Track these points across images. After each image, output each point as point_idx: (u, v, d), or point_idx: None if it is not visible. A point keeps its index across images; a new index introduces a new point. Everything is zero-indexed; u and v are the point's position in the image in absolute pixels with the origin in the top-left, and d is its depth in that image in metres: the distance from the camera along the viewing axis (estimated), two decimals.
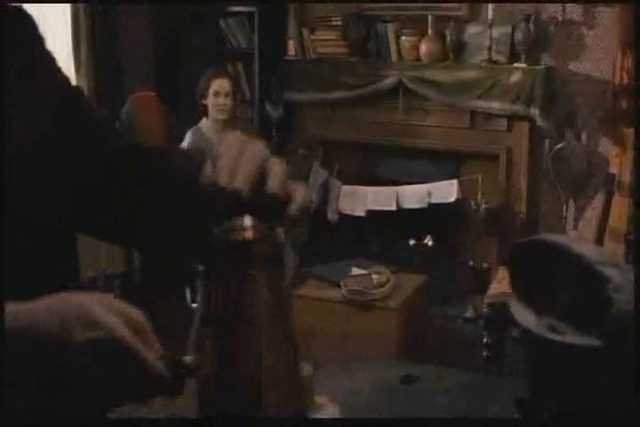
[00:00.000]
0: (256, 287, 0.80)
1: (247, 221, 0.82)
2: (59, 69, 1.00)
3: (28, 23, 0.95)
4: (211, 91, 4.65)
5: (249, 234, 0.81)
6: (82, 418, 0.69)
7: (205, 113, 4.74)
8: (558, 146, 4.77)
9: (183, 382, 0.80)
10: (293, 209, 0.83)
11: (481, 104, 4.81)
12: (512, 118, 4.82)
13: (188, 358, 0.83)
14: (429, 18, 4.92)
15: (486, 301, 3.73)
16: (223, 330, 0.80)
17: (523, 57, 4.74)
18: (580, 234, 4.79)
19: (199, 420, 0.82)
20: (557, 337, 1.05)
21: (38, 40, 0.97)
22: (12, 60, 0.87)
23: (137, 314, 0.78)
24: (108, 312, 0.74)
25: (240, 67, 5.65)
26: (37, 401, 0.72)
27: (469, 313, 4.79)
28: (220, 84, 4.68)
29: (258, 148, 0.86)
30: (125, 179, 0.96)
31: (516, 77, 4.69)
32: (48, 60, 0.98)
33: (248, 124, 5.56)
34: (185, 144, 4.68)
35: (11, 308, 0.73)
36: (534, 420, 0.78)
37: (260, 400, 0.78)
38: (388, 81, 5.04)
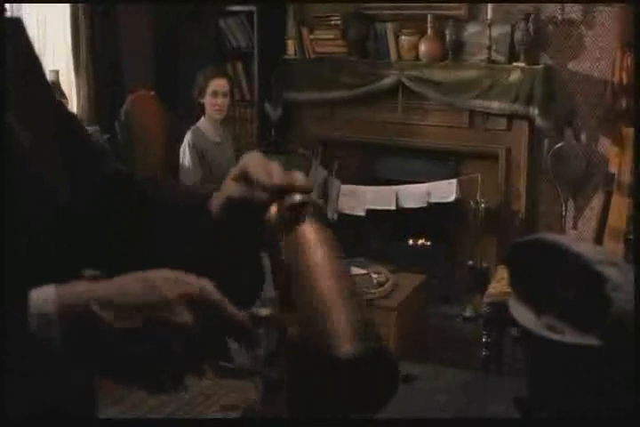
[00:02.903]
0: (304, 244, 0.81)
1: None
2: (53, 91, 0.99)
3: (24, 39, 0.94)
4: (209, 90, 4.66)
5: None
6: (82, 418, 0.69)
7: (203, 112, 4.74)
8: (557, 145, 4.77)
9: (258, 336, 0.81)
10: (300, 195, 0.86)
11: (480, 103, 4.81)
12: (511, 118, 4.82)
13: (263, 311, 0.84)
14: (429, 17, 4.92)
15: (485, 300, 3.74)
16: (290, 285, 0.81)
17: (522, 56, 4.74)
18: (580, 233, 4.79)
19: (199, 420, 0.83)
20: (556, 336, 1.06)
21: (34, 59, 0.96)
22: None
23: (207, 285, 0.80)
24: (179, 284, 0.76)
25: (239, 66, 5.65)
26: (136, 360, 0.73)
27: (469, 312, 4.79)
28: (218, 84, 4.68)
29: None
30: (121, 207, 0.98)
31: (515, 77, 4.69)
32: (45, 84, 0.97)
33: (247, 123, 5.56)
34: (185, 143, 4.68)
35: (90, 285, 0.75)
36: (533, 418, 0.78)
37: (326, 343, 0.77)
38: (388, 80, 5.04)
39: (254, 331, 0.80)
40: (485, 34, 4.75)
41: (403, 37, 5.06)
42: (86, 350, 0.72)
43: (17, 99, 0.88)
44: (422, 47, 4.98)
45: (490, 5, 4.69)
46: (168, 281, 0.75)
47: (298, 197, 0.88)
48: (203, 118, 4.75)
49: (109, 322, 0.72)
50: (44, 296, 0.72)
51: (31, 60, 0.94)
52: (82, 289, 0.74)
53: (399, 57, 5.09)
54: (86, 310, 0.72)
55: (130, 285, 0.74)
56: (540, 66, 4.73)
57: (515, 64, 4.75)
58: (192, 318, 0.74)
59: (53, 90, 1.02)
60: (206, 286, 0.77)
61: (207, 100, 4.68)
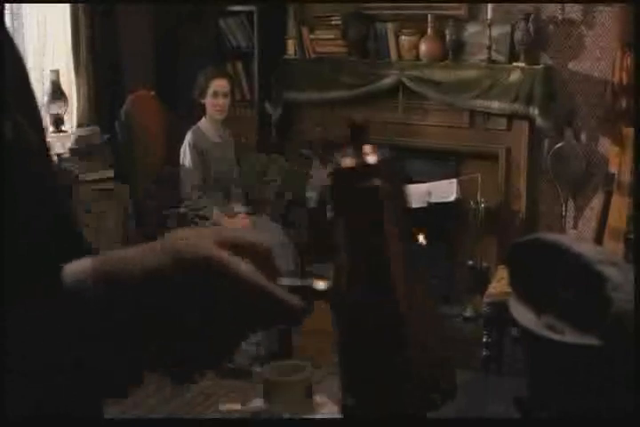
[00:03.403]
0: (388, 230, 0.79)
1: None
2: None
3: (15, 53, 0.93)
4: (210, 91, 4.66)
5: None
6: (82, 418, 0.69)
7: (204, 112, 4.75)
8: (558, 145, 4.77)
9: (310, 309, 0.78)
10: None
11: (480, 103, 4.81)
12: (511, 118, 4.82)
13: (320, 284, 0.82)
14: (429, 17, 4.92)
15: (485, 300, 3.74)
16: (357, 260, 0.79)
17: (522, 56, 4.74)
18: (580, 233, 4.79)
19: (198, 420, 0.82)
20: (556, 336, 1.06)
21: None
22: None
23: (263, 242, 0.79)
24: (239, 255, 0.74)
25: (239, 66, 5.65)
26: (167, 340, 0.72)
27: (469, 312, 4.79)
28: (219, 85, 4.68)
29: None
30: None
31: (515, 77, 4.69)
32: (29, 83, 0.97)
33: (247, 123, 5.55)
34: (186, 144, 4.68)
35: (115, 254, 0.74)
36: (533, 418, 0.78)
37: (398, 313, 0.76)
38: (388, 80, 5.04)
39: (303, 308, 0.77)
40: (485, 34, 4.75)
41: (403, 37, 5.06)
42: (122, 326, 0.71)
43: (17, 98, 0.87)
44: (422, 47, 4.98)
45: (490, 5, 4.69)
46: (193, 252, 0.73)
47: (321, 285, 0.83)
48: (203, 118, 4.75)
49: (146, 297, 0.71)
50: (79, 269, 0.71)
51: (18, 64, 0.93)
52: (116, 258, 0.73)
53: (399, 57, 5.10)
54: (123, 282, 0.71)
55: (157, 257, 0.73)
56: (541, 66, 4.73)
57: (515, 64, 4.75)
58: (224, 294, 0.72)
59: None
60: (242, 264, 0.74)
61: (208, 101, 4.69)
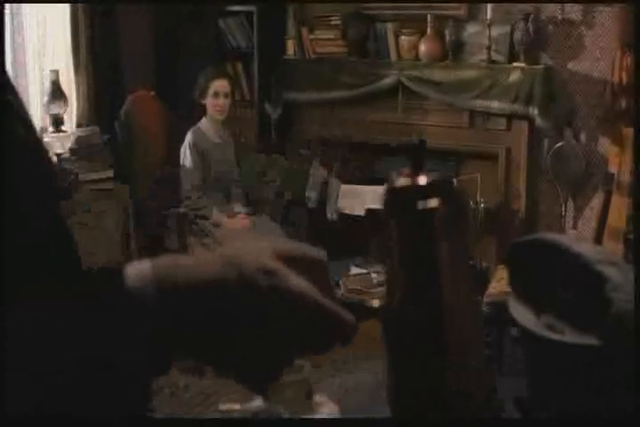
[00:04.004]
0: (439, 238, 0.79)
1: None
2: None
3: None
4: (210, 91, 4.66)
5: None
6: (83, 417, 0.69)
7: (204, 113, 4.75)
8: (557, 145, 4.77)
9: (357, 327, 0.76)
10: None
11: (480, 103, 4.81)
12: (511, 118, 4.82)
13: (375, 302, 0.82)
14: (428, 17, 4.92)
15: (485, 300, 3.74)
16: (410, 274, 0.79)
17: (522, 56, 4.74)
18: (579, 233, 4.80)
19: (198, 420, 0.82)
20: (556, 336, 1.06)
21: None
22: None
23: (318, 255, 0.78)
24: (291, 266, 0.74)
25: (239, 66, 5.65)
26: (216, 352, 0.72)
27: None
28: (219, 85, 4.69)
29: None
30: None
31: (514, 77, 4.69)
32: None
33: (247, 123, 5.56)
34: (186, 144, 4.69)
35: (175, 260, 0.73)
36: (533, 418, 0.79)
37: (444, 346, 0.76)
38: (388, 80, 5.04)
39: (355, 325, 0.75)
40: (485, 34, 4.75)
41: (402, 37, 5.06)
42: (185, 329, 0.71)
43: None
44: (422, 47, 4.98)
45: (489, 5, 4.69)
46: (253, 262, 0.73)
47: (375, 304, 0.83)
48: (204, 119, 4.76)
49: (209, 301, 0.71)
50: (139, 271, 0.71)
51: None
52: (180, 263, 0.73)
53: (399, 57, 5.10)
54: (181, 288, 0.71)
55: (217, 269, 0.73)
56: (540, 66, 4.73)
57: (514, 64, 4.75)
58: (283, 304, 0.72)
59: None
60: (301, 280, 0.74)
61: (208, 101, 4.69)
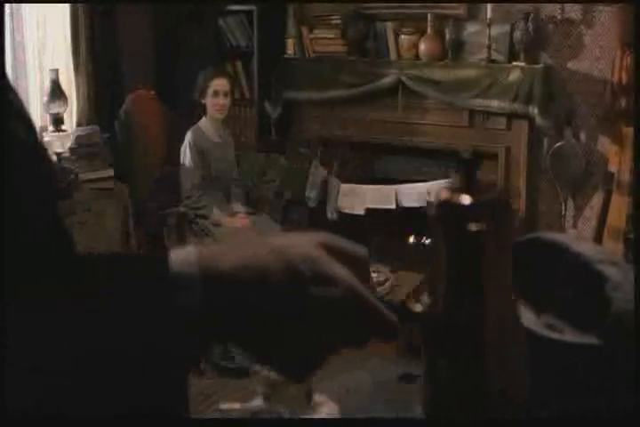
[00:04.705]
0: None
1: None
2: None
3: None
4: (210, 91, 4.66)
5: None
6: (83, 417, 0.69)
7: (204, 112, 4.75)
8: (557, 144, 4.77)
9: (399, 327, 0.76)
10: None
11: (480, 103, 4.81)
12: (511, 117, 4.82)
13: (418, 307, 0.82)
14: (428, 16, 4.92)
15: None
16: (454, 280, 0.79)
17: (521, 56, 4.74)
18: (579, 232, 4.80)
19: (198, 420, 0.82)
20: (556, 335, 1.06)
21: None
22: None
23: (360, 251, 0.77)
24: (335, 260, 0.73)
25: (239, 66, 5.65)
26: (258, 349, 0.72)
27: None
28: (219, 84, 4.69)
29: None
30: None
31: (514, 76, 4.69)
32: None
33: (247, 123, 5.56)
34: (186, 143, 4.69)
35: (219, 247, 0.74)
36: (533, 419, 0.79)
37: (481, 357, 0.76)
38: (387, 80, 5.04)
39: (397, 323, 0.74)
40: (485, 33, 4.75)
41: (402, 36, 5.06)
42: (228, 316, 0.70)
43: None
44: (422, 46, 4.98)
45: (489, 5, 4.69)
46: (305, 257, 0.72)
47: (417, 308, 0.83)
48: (204, 118, 4.76)
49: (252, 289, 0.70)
50: (184, 257, 0.71)
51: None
52: (225, 250, 0.73)
53: (399, 56, 5.10)
54: (227, 275, 0.70)
55: (264, 259, 0.72)
56: (540, 65, 4.73)
57: (514, 63, 4.75)
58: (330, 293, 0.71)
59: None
60: (351, 277, 0.73)
61: (208, 101, 4.69)
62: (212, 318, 0.70)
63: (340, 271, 0.72)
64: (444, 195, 0.78)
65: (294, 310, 0.71)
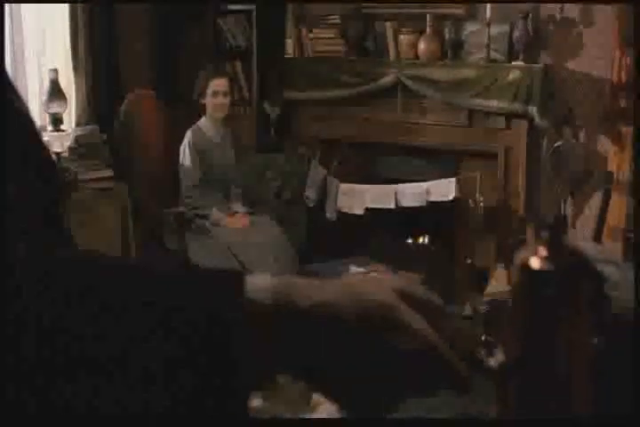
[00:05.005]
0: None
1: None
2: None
3: None
4: (209, 91, 4.66)
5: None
6: (82, 416, 0.69)
7: (204, 112, 4.75)
8: (557, 144, 4.77)
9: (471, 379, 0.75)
10: None
11: (479, 102, 4.81)
12: (510, 116, 4.82)
13: (492, 361, 0.81)
14: (427, 16, 4.92)
15: (485, 299, 3.73)
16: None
17: (521, 55, 4.74)
18: (579, 232, 4.79)
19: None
20: None
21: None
22: None
23: (436, 301, 0.77)
24: (413, 310, 0.73)
25: (238, 65, 5.65)
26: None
27: (468, 311, 4.79)
28: (218, 84, 4.68)
29: None
30: None
31: (514, 76, 4.69)
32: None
33: (246, 122, 5.55)
34: (186, 143, 4.68)
35: (294, 280, 0.74)
36: (533, 419, 0.78)
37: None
38: (387, 79, 5.04)
39: (469, 377, 0.74)
40: (484, 33, 4.75)
41: (402, 36, 5.06)
42: (294, 349, 0.70)
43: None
44: (421, 46, 4.98)
45: (488, 4, 4.69)
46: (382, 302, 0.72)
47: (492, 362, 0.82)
48: (203, 118, 4.76)
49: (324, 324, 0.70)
50: (258, 283, 0.71)
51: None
52: (300, 284, 0.73)
53: (398, 56, 5.09)
54: (300, 308, 0.71)
55: (340, 300, 0.72)
56: (539, 65, 4.72)
57: (514, 63, 4.75)
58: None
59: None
60: (429, 329, 0.73)
61: (208, 101, 4.69)
62: (280, 348, 0.70)
63: (415, 320, 0.72)
64: (527, 260, 0.77)
65: (366, 354, 0.71)
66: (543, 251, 0.76)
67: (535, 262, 0.76)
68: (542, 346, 0.76)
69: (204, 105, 4.71)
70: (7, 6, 4.35)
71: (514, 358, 0.78)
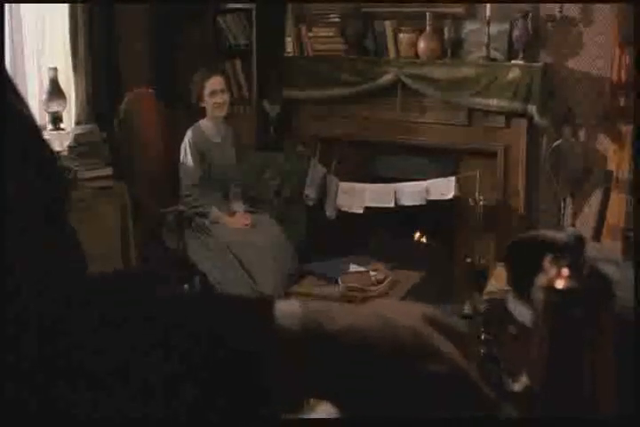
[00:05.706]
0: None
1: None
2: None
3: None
4: (207, 91, 4.66)
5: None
6: (83, 416, 0.69)
7: (204, 116, 4.75)
8: (556, 143, 4.77)
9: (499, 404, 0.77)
10: None
11: (479, 101, 4.81)
12: (510, 115, 4.82)
13: (517, 386, 0.81)
14: (427, 15, 4.92)
15: (484, 297, 3.73)
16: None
17: (520, 54, 4.74)
18: (578, 231, 4.79)
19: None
20: None
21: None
22: None
23: (462, 327, 0.79)
24: (442, 336, 0.74)
25: (238, 64, 5.64)
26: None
27: (467, 310, 4.79)
28: (214, 83, 4.68)
29: None
30: None
31: (513, 74, 4.69)
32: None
33: (246, 121, 5.55)
34: (186, 142, 4.68)
35: (323, 306, 0.74)
36: (533, 419, 0.78)
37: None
38: (386, 78, 5.04)
39: (498, 403, 0.75)
40: (484, 31, 4.75)
41: (401, 35, 5.06)
42: (324, 374, 0.71)
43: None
44: (421, 45, 4.98)
45: (488, 3, 4.68)
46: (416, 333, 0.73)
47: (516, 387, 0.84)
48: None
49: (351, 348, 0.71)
50: (288, 309, 0.71)
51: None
52: (330, 310, 0.73)
53: (398, 54, 5.09)
54: (329, 334, 0.71)
55: (371, 325, 0.73)
56: (539, 63, 4.72)
57: (513, 62, 4.75)
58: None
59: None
60: (458, 356, 0.73)
61: (207, 101, 4.69)
62: (309, 373, 0.70)
63: (444, 346, 0.73)
64: (550, 281, 0.77)
65: (394, 378, 0.71)
66: (566, 271, 0.76)
67: (560, 284, 0.76)
68: (569, 367, 0.77)
69: (204, 108, 4.71)
70: (7, 5, 4.34)
71: (539, 382, 0.78)
